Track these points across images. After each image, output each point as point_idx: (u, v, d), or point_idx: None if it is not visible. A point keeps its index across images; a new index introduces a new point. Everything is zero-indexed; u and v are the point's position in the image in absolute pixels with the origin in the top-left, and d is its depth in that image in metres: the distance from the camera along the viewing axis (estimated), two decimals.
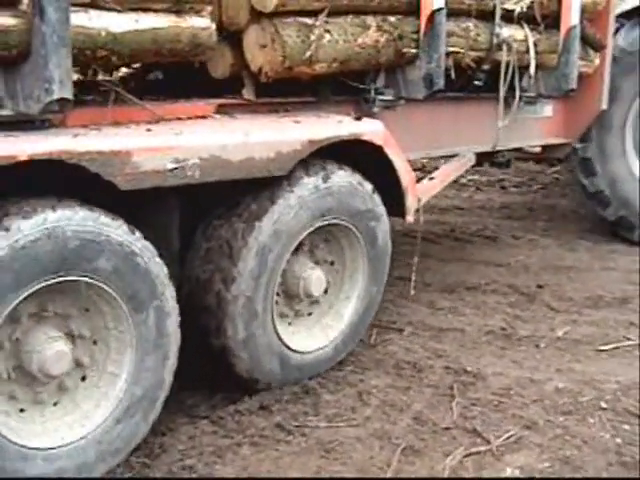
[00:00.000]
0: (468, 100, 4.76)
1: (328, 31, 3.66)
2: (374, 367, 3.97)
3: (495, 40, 4.45)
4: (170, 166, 2.96)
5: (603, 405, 3.66)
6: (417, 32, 4.02)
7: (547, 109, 5.35)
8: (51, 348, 2.79)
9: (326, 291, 3.83)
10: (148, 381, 3.05)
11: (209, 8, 3.27)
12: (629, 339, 4.46)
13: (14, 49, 2.66)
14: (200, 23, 3.21)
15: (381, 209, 3.90)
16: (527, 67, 4.75)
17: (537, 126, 5.37)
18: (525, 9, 4.59)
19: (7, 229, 2.59)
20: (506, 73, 4.59)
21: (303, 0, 3.55)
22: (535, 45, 4.70)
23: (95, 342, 3.00)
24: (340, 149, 3.60)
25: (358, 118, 3.87)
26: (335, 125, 3.66)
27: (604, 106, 5.51)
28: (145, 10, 3.02)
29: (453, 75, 4.27)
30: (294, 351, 3.64)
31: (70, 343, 2.89)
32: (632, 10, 5.82)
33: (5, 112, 2.79)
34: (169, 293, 3.07)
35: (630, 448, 3.30)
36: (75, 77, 3.25)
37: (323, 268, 3.77)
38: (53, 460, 2.79)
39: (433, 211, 6.96)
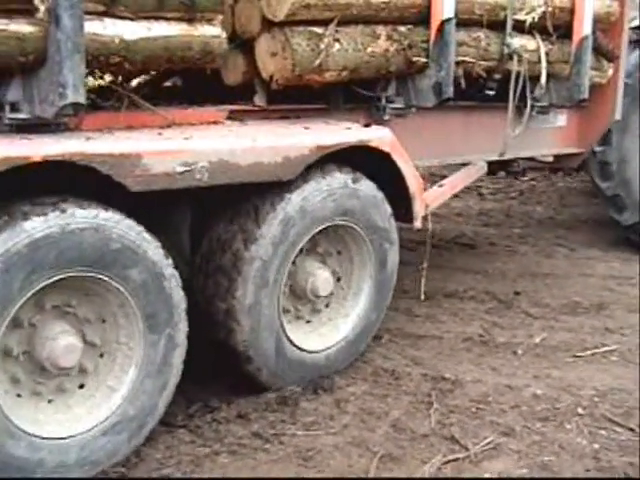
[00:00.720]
0: (479, 109, 4.82)
1: (338, 40, 3.75)
2: (352, 374, 3.93)
3: (506, 50, 4.50)
4: (179, 169, 3.06)
5: (580, 411, 3.66)
6: (427, 41, 4.10)
7: (561, 119, 5.38)
8: (65, 339, 2.90)
9: (327, 305, 3.92)
10: (142, 404, 3.11)
11: (220, 17, 3.38)
12: (606, 345, 4.46)
13: (31, 55, 2.79)
14: (211, 31, 3.31)
15: (395, 237, 4.02)
16: (539, 77, 4.79)
17: (550, 135, 5.40)
18: (537, 19, 4.64)
19: (63, 211, 2.79)
20: (517, 83, 4.64)
21: (314, 10, 3.64)
22: (547, 55, 4.75)
23: (102, 354, 3.09)
24: (358, 160, 3.72)
25: (367, 125, 3.96)
26: (343, 132, 3.74)
27: (618, 116, 5.51)
28: (158, 19, 3.13)
29: (463, 84, 4.34)
30: (291, 342, 3.68)
31: (81, 344, 2.97)
32: None
33: (22, 115, 2.92)
34: (183, 327, 3.17)
35: (607, 453, 3.32)
36: (91, 82, 3.39)
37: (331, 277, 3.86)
38: (35, 449, 2.83)
39: None
